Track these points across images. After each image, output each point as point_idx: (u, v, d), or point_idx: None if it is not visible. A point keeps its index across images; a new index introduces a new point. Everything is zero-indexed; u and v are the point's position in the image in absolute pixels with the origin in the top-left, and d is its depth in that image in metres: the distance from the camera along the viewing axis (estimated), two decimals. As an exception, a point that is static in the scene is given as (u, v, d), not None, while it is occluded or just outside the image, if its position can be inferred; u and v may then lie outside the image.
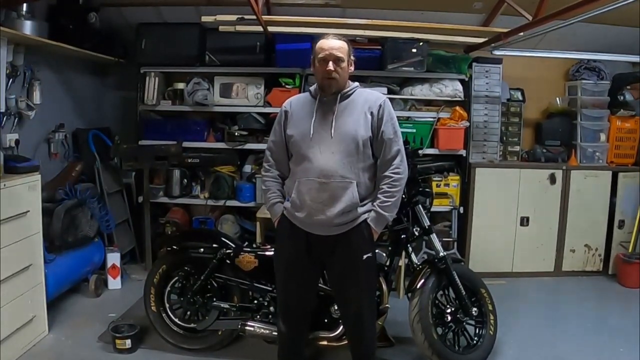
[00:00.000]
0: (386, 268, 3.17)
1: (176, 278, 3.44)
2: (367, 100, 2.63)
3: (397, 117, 2.76)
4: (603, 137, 5.12)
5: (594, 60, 5.13)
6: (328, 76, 2.53)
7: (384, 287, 3.10)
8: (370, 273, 2.74)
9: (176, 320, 3.45)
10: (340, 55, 2.53)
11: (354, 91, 2.66)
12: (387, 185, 2.60)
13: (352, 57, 2.64)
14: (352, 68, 2.65)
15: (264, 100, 4.84)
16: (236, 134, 4.90)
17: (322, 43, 2.57)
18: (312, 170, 2.55)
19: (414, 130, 4.83)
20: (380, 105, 2.61)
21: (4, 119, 3.73)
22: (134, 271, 4.77)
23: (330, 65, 2.51)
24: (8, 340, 3.11)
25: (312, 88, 2.72)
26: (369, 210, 2.62)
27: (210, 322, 3.29)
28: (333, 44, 2.55)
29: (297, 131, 2.63)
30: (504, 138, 5.12)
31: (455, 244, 4.80)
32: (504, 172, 4.98)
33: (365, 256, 2.63)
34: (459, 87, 4.87)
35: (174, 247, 3.45)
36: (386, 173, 2.61)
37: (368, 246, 2.64)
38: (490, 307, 3.31)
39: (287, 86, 4.80)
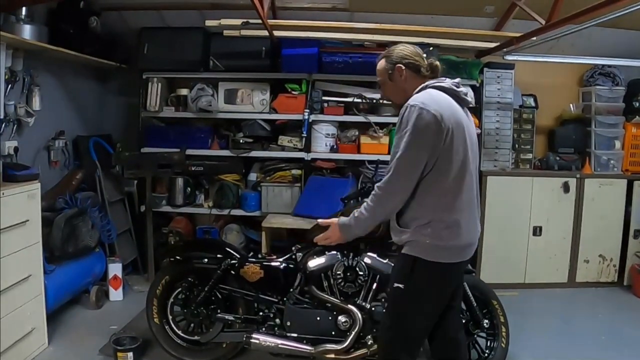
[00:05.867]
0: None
1: (179, 289, 3.40)
2: None
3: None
4: (618, 144, 5.04)
5: (609, 66, 5.05)
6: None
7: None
8: (395, 305, 2.47)
9: (179, 332, 3.42)
10: (379, 79, 2.52)
11: None
12: (369, 198, 2.39)
13: (391, 70, 2.43)
14: (403, 75, 2.41)
15: (269, 106, 4.80)
16: (241, 141, 4.85)
17: None
18: None
19: (424, 137, 4.74)
20: (402, 115, 2.31)
21: (3, 125, 3.69)
22: (136, 282, 4.73)
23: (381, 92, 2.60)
24: (7, 353, 3.08)
25: None
26: (410, 241, 2.33)
27: (214, 335, 3.26)
28: (377, 68, 2.52)
29: None
30: (516, 145, 5.07)
31: (466, 254, 4.72)
32: (516, 180, 4.92)
33: (394, 285, 2.40)
34: (470, 93, 4.75)
35: (177, 257, 3.43)
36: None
37: (399, 276, 2.40)
38: (502, 319, 3.27)
39: (293, 92, 4.75)
